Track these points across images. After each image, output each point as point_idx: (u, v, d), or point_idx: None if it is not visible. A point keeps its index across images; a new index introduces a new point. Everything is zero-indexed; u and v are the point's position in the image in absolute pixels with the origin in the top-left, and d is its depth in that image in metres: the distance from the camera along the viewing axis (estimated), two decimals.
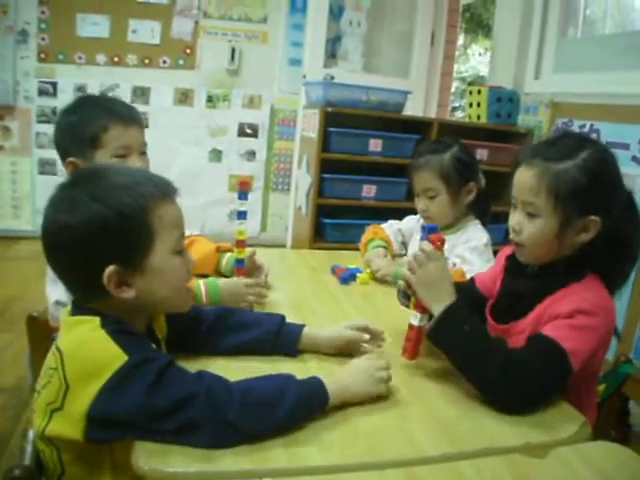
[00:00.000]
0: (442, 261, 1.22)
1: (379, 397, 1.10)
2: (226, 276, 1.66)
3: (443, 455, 0.95)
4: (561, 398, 1.16)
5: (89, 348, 0.91)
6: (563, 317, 1.16)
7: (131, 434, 0.89)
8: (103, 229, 0.92)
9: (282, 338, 1.24)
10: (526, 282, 1.32)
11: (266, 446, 0.92)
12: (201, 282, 1.48)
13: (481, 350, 1.13)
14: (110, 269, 0.93)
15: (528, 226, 1.24)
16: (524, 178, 1.24)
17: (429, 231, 1.25)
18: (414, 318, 1.22)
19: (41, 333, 1.36)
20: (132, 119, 1.53)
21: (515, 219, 1.28)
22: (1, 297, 3.39)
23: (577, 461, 0.96)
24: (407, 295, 1.31)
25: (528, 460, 0.96)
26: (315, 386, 1.00)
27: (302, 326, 1.27)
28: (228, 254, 1.75)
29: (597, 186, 1.18)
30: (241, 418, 0.90)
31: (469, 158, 1.94)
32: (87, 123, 1.46)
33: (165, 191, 1.02)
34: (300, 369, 1.15)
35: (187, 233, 1.70)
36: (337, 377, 1.06)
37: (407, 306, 1.32)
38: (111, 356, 0.89)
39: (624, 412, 1.40)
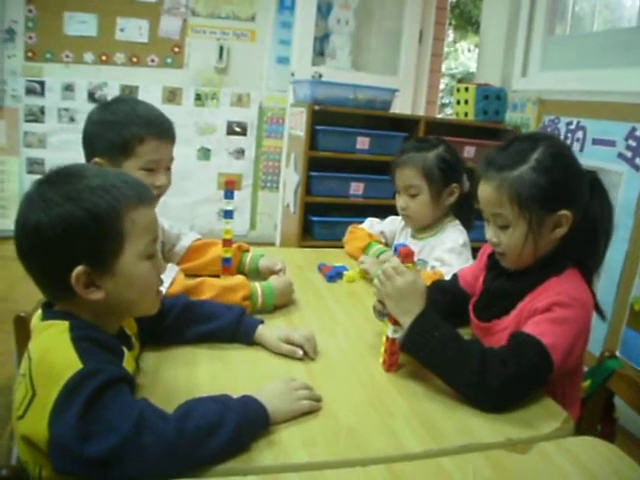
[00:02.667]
0: (410, 275, 1.20)
1: (362, 393, 1.13)
2: (245, 274, 1.69)
3: (425, 451, 0.96)
4: (544, 394, 1.18)
5: (52, 354, 0.89)
6: (541, 312, 1.18)
7: (76, 467, 0.82)
8: (74, 230, 0.92)
9: (241, 329, 1.30)
10: (507, 281, 1.34)
11: (252, 443, 0.93)
12: (257, 285, 1.52)
13: (455, 355, 1.12)
14: (78, 269, 0.93)
15: (503, 237, 1.26)
16: (485, 193, 1.26)
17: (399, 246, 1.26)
18: (390, 330, 1.23)
19: (28, 333, 1.36)
20: (168, 135, 1.52)
21: (490, 232, 1.29)
22: None
23: (559, 456, 0.97)
24: (382, 312, 1.31)
25: (510, 456, 0.97)
26: (256, 411, 0.97)
27: (259, 322, 1.33)
28: (250, 253, 1.80)
29: (557, 182, 1.20)
30: (178, 441, 0.85)
31: (454, 159, 1.91)
32: (123, 128, 1.45)
33: (141, 195, 1.01)
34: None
35: (194, 237, 1.74)
36: (267, 396, 1.01)
37: (383, 321, 1.31)
38: (68, 363, 0.86)
39: (609, 407, 1.42)
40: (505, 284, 1.34)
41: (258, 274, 1.73)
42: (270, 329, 1.32)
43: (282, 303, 1.56)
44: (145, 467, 0.83)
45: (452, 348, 1.13)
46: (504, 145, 1.28)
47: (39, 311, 1.02)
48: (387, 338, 1.24)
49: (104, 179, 0.98)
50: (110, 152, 1.44)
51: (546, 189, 1.19)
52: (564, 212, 1.20)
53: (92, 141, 1.48)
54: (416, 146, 1.94)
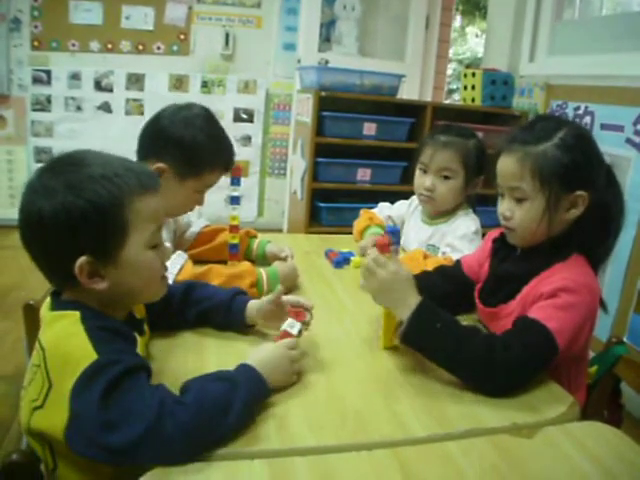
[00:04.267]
0: (392, 265, 1.18)
1: (368, 378, 1.14)
2: (252, 260, 1.72)
3: (431, 436, 0.97)
4: (550, 379, 1.18)
5: (67, 344, 0.90)
6: (546, 297, 1.18)
7: (93, 452, 0.84)
8: (76, 220, 0.91)
9: (233, 307, 1.27)
10: (512, 265, 1.34)
11: (258, 428, 0.94)
12: (262, 271, 1.53)
13: (458, 344, 1.12)
14: (81, 260, 0.92)
15: (518, 211, 1.26)
16: (506, 165, 1.26)
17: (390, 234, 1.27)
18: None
19: (38, 322, 1.37)
20: (230, 169, 1.59)
21: (505, 206, 1.29)
22: None
23: (564, 441, 0.98)
24: None
25: (515, 440, 0.97)
26: (257, 383, 0.98)
27: (250, 298, 1.31)
28: (258, 239, 1.81)
29: (578, 162, 1.21)
30: (196, 426, 0.87)
31: (486, 151, 1.91)
32: (201, 151, 1.49)
33: (145, 183, 0.99)
34: None
35: (203, 224, 1.77)
36: (261, 365, 1.02)
37: None
38: (84, 353, 0.87)
39: (616, 393, 1.42)
40: (511, 267, 1.34)
41: (265, 260, 1.74)
42: (259, 301, 1.29)
43: (287, 288, 1.54)
44: (165, 452, 0.85)
45: (455, 336, 1.13)
46: (528, 124, 1.31)
47: (48, 300, 1.02)
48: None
49: (107, 167, 0.96)
50: (176, 164, 1.45)
51: (567, 167, 1.20)
52: (581, 192, 1.21)
53: (160, 146, 1.48)
54: (457, 131, 1.92)
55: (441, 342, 1.13)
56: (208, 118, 1.57)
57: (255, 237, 1.83)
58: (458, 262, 1.55)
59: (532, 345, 1.12)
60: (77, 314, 0.93)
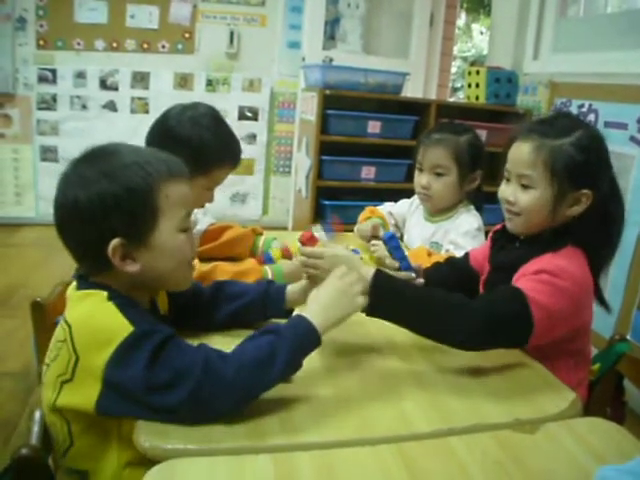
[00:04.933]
0: (328, 251, 1.24)
1: (372, 373, 1.15)
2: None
3: (434, 431, 0.98)
4: (552, 375, 1.19)
5: (97, 319, 0.94)
6: (529, 274, 1.21)
7: (137, 411, 0.91)
8: (110, 205, 0.96)
9: (271, 296, 1.27)
10: (509, 255, 1.37)
11: (263, 423, 0.95)
12: (267, 268, 1.55)
13: (423, 301, 1.16)
14: (115, 242, 0.96)
15: (523, 197, 1.29)
16: (521, 151, 1.29)
17: (388, 240, 1.34)
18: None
19: (45, 319, 1.38)
20: (237, 165, 1.60)
21: (509, 190, 1.32)
22: (6, 284, 3.41)
23: (566, 437, 0.98)
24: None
25: (517, 436, 0.98)
26: (306, 330, 1.01)
27: (285, 286, 1.30)
28: (263, 237, 1.83)
29: (590, 162, 1.24)
30: (239, 379, 0.92)
31: (482, 147, 1.94)
32: (209, 150, 1.50)
33: (174, 170, 1.05)
34: None
35: (209, 221, 1.78)
36: (318, 309, 1.05)
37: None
38: (118, 326, 0.91)
39: (619, 390, 1.43)
40: (507, 257, 1.37)
41: (270, 258, 1.75)
42: (298, 284, 1.30)
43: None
44: (213, 407, 0.91)
45: (417, 296, 1.18)
46: (549, 118, 1.36)
47: (73, 283, 1.06)
48: None
49: (138, 156, 1.02)
50: (194, 166, 1.44)
51: (579, 165, 1.23)
52: (586, 191, 1.24)
53: (167, 143, 1.44)
54: (449, 128, 1.95)
55: (406, 305, 1.16)
56: (214, 117, 1.59)
57: (261, 235, 1.84)
58: (466, 255, 1.59)
59: (506, 305, 1.15)
60: (104, 293, 0.98)
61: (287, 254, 1.71)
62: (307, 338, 1.01)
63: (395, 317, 1.17)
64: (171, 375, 0.90)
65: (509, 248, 1.39)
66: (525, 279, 1.20)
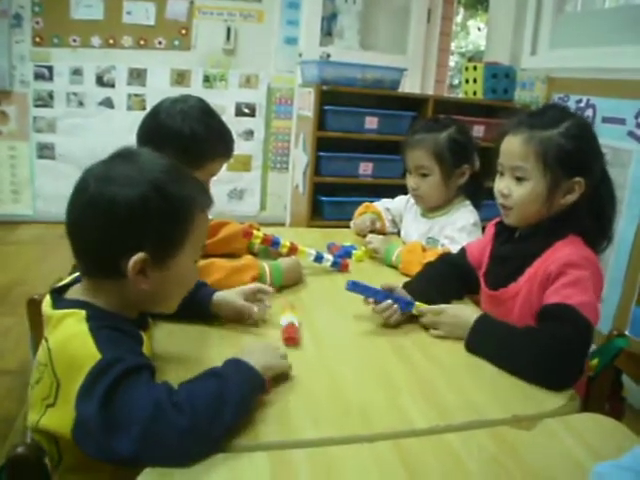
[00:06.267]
0: (448, 311, 1.32)
1: (369, 370, 1.15)
2: (254, 254, 1.74)
3: (431, 428, 0.98)
4: None
5: (73, 344, 0.89)
6: (555, 276, 1.23)
7: (100, 454, 0.84)
8: (151, 214, 0.93)
9: (198, 298, 1.27)
10: (511, 246, 1.40)
11: (259, 420, 0.95)
12: (265, 265, 1.54)
13: (518, 345, 1.19)
14: (140, 255, 0.92)
15: (517, 189, 1.31)
16: (512, 144, 1.31)
17: (353, 288, 1.33)
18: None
19: (42, 316, 1.37)
20: (231, 156, 1.60)
21: (504, 184, 1.34)
22: (3, 281, 3.41)
23: (564, 433, 0.98)
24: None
25: (515, 432, 0.98)
26: (248, 373, 0.96)
27: (214, 290, 1.32)
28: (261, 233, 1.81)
29: (580, 151, 1.27)
30: (189, 432, 0.84)
31: (465, 140, 1.92)
32: (201, 141, 1.50)
33: (208, 203, 1.06)
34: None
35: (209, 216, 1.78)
36: (250, 356, 1.01)
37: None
38: (87, 354, 0.87)
39: (617, 385, 1.43)
40: (510, 248, 1.40)
41: (268, 254, 1.74)
42: (222, 293, 1.32)
43: (290, 283, 1.57)
44: (165, 455, 0.83)
45: (505, 344, 1.21)
46: (538, 110, 1.39)
47: (47, 298, 1.00)
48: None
49: (186, 180, 1.02)
50: (187, 159, 1.44)
51: (570, 154, 1.26)
52: (579, 179, 1.27)
53: (164, 142, 1.45)
54: (427, 127, 1.95)
55: (505, 346, 1.20)
56: (204, 109, 1.59)
57: (258, 230, 1.83)
58: (462, 249, 1.61)
59: (569, 325, 1.16)
60: (82, 313, 0.93)
61: (293, 248, 1.69)
62: (253, 381, 0.96)
63: (492, 358, 1.21)
64: (121, 416, 0.83)
65: (511, 240, 1.41)
66: (559, 288, 1.22)
